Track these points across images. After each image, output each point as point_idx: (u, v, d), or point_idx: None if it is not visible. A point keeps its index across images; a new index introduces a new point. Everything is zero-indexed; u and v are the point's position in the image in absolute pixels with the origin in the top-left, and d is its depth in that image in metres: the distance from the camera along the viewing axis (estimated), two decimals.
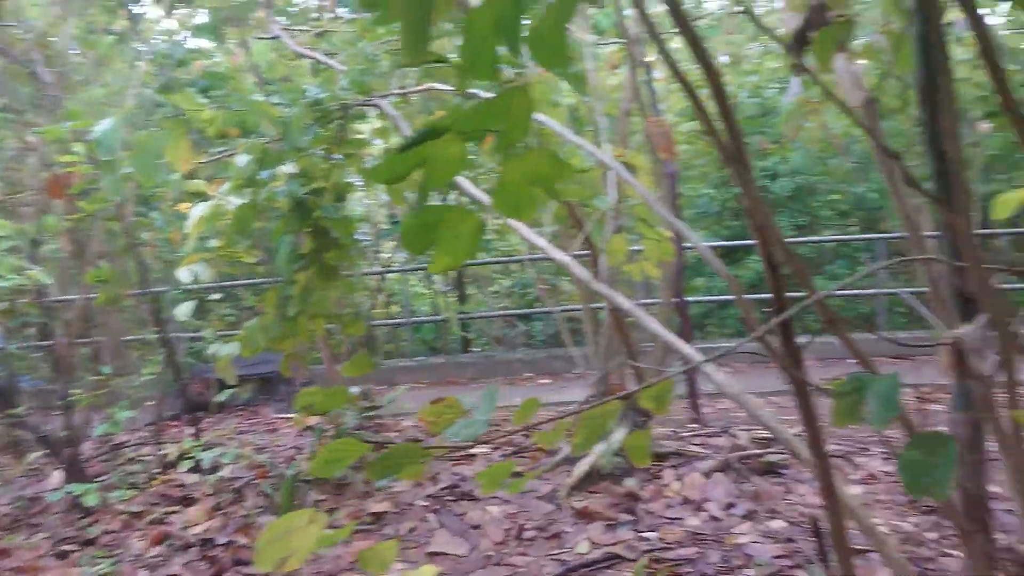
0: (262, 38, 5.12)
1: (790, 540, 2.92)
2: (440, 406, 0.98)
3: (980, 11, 1.16)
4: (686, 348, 2.02)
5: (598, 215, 3.12)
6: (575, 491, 3.56)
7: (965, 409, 1.44)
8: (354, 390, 4.59)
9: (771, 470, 3.70)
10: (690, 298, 7.64)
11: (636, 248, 3.34)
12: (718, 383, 1.89)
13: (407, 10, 0.72)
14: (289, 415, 5.54)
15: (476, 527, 3.34)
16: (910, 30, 1.37)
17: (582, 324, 4.39)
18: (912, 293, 6.15)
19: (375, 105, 3.16)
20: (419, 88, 3.32)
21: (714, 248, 9.19)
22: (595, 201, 2.49)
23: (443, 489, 3.77)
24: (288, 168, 3.15)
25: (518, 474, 3.86)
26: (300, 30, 5.12)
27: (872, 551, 2.57)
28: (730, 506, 3.32)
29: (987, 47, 1.10)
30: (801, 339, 1.31)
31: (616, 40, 4.76)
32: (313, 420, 4.37)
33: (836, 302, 8.93)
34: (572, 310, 7.41)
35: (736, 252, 9.11)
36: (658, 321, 4.38)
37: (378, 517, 3.54)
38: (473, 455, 4.29)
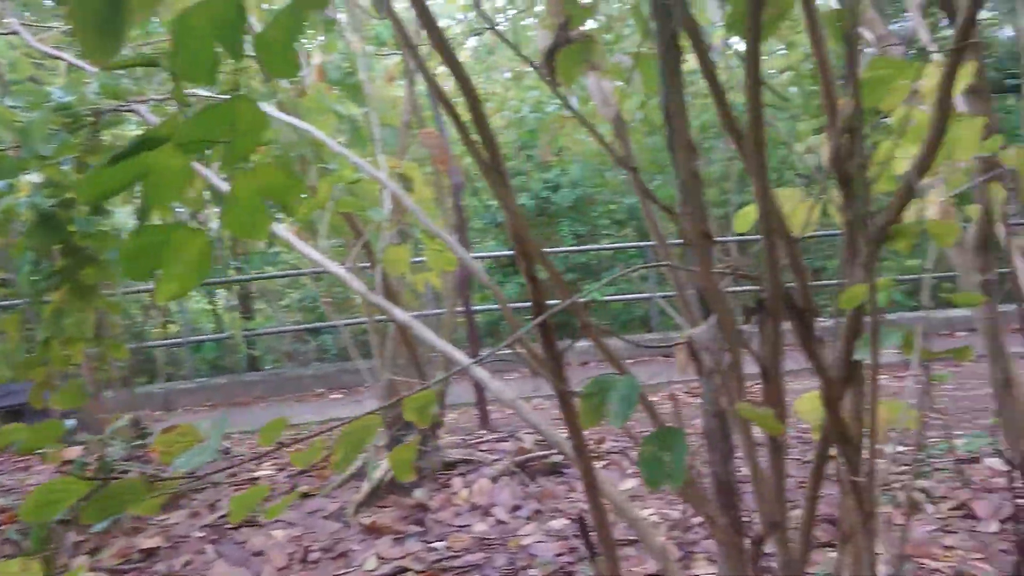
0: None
1: (570, 537, 3.05)
2: (173, 434, 0.91)
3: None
4: (458, 355, 2.04)
5: (374, 226, 3.09)
6: (363, 507, 3.50)
7: (710, 402, 1.57)
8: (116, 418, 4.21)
9: (555, 470, 3.84)
10: (479, 307, 7.77)
11: (422, 259, 3.34)
12: (492, 389, 1.93)
13: (84, 6, 0.65)
14: (42, 450, 5.00)
15: (258, 554, 3.18)
16: (653, 52, 1.47)
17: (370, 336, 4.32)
18: (666, 297, 6.70)
19: (132, 111, 2.94)
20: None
21: (501, 257, 9.47)
22: (370, 212, 2.47)
23: (222, 517, 3.56)
24: (32, 178, 2.85)
25: (303, 494, 3.72)
26: (50, 27, 4.66)
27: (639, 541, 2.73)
28: (516, 509, 3.41)
29: (710, 73, 1.20)
30: (562, 344, 1.36)
31: (396, 52, 4.76)
32: (74, 453, 3.97)
33: (616, 306, 9.49)
34: (360, 322, 7.31)
35: None
36: (445, 330, 4.40)
37: (149, 553, 3.27)
38: (257, 478, 4.10)
